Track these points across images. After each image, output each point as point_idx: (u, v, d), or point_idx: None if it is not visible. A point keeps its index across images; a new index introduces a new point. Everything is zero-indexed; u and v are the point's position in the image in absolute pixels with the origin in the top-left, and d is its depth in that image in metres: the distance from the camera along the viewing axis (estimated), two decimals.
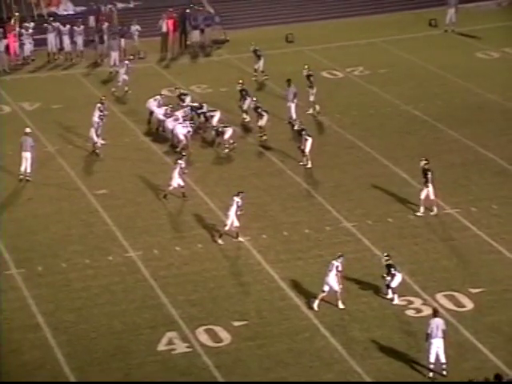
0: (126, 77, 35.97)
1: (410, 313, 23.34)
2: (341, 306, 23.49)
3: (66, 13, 43.60)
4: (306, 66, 34.33)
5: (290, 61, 39.54)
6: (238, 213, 26.20)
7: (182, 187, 28.42)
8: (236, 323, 22.98)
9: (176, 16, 41.21)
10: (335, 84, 37.48)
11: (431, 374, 20.87)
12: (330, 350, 22.08)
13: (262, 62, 37.36)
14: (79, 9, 44.03)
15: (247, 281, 24.84)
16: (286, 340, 22.44)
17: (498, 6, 44.87)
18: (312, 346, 22.22)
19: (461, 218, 27.38)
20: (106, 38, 40.61)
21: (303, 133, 30.18)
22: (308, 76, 33.97)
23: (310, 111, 33.85)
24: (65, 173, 30.58)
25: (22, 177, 29.67)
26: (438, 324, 20.92)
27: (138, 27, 40.42)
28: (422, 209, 27.36)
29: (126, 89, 35.83)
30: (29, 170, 29.65)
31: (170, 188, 28.30)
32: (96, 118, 31.30)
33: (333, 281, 23.35)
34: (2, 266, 25.50)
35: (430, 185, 27.21)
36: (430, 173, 27.22)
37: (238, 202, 26.16)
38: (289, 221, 27.58)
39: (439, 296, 23.85)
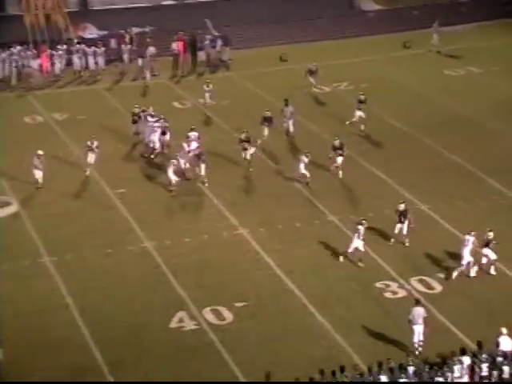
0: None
1: (388, 295, 23.27)
2: (492, 271, 23.66)
3: (91, 36, 43.48)
4: (362, 93, 33.64)
5: (284, 77, 39.45)
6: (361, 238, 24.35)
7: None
8: (237, 304, 22.90)
9: (186, 39, 41.18)
10: (323, 97, 37.35)
11: (417, 352, 20.58)
12: (318, 327, 22.01)
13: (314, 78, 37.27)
14: (102, 33, 43.90)
15: (247, 267, 24.75)
16: (281, 319, 22.38)
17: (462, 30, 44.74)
18: (303, 324, 22.16)
19: (432, 214, 27.29)
20: (125, 57, 40.64)
21: (339, 151, 29.22)
22: (360, 101, 33.20)
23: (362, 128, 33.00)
24: (89, 174, 30.47)
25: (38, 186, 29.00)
26: (419, 312, 20.68)
27: (153, 49, 40.35)
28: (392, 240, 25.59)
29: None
30: (41, 181, 29.02)
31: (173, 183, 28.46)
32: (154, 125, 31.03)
33: (467, 254, 23.32)
34: (36, 254, 25.42)
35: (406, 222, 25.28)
36: (409, 214, 25.26)
37: (359, 228, 24.27)
38: (282, 215, 27.50)
39: (413, 280, 23.78)
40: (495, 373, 18.78)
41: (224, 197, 28.57)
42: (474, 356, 19.04)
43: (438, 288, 23.43)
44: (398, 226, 25.47)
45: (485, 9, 46.24)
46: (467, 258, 23.65)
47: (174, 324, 22.13)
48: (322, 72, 39.75)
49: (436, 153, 31.48)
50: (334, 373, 18.73)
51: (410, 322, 20.69)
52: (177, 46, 40.86)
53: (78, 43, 40.68)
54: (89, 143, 29.84)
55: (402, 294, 23.21)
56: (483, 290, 23.35)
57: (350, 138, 32.40)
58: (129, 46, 40.84)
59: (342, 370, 18.85)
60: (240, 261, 25.11)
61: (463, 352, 19.23)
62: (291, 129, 32.81)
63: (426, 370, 18.78)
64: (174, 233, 26.57)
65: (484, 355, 18.89)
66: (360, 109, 33.16)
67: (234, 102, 35.71)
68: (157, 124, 31.49)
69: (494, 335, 19.76)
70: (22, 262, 24.87)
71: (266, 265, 24.78)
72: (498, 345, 19.35)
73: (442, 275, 23.94)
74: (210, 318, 22.37)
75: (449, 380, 18.63)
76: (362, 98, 33.51)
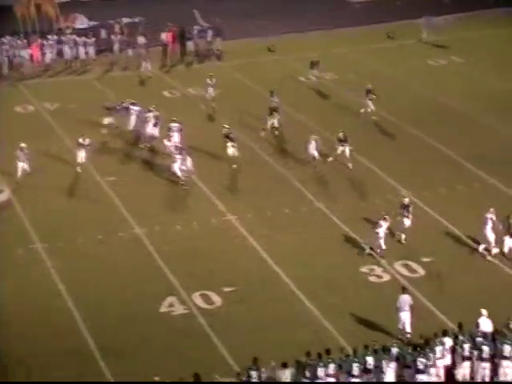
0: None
1: (373, 279, 23.45)
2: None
3: (81, 26, 43.29)
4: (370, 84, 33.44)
5: (272, 67, 39.46)
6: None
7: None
8: (226, 289, 22.99)
9: (175, 29, 41.12)
10: (310, 87, 37.41)
11: (405, 338, 20.64)
12: (306, 311, 22.15)
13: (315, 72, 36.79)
14: (92, 23, 43.72)
15: (235, 253, 24.83)
16: (269, 304, 22.47)
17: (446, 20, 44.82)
18: (291, 309, 22.27)
19: (415, 199, 27.43)
20: (115, 48, 40.52)
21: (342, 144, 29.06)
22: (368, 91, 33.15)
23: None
24: (80, 170, 30.36)
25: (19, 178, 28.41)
26: (405, 300, 20.71)
27: (142, 39, 40.25)
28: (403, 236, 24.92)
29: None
30: (27, 168, 28.55)
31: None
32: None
33: (489, 233, 23.38)
34: (29, 241, 25.42)
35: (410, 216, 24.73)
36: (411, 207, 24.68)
37: (382, 226, 23.96)
38: (271, 202, 27.60)
39: (397, 264, 23.96)
40: (476, 353, 18.99)
41: (212, 184, 28.63)
42: (455, 337, 19.25)
43: (421, 272, 23.61)
44: (403, 220, 24.67)
45: (467, 0, 46.37)
46: (490, 236, 23.73)
47: (164, 308, 22.21)
48: (309, 62, 39.83)
49: (420, 141, 31.59)
50: (320, 355, 18.88)
51: (397, 310, 20.69)
52: (166, 36, 40.82)
53: (69, 33, 40.53)
54: (80, 140, 29.26)
55: (386, 278, 23.39)
56: (465, 274, 23.54)
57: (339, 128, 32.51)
58: (119, 37, 40.72)
59: (328, 352, 19.01)
60: (229, 247, 25.20)
61: (444, 333, 19.44)
62: (276, 124, 32.20)
63: (409, 351, 18.97)
64: (165, 220, 26.62)
65: (465, 336, 19.08)
66: (370, 99, 33.07)
67: (223, 91, 35.69)
68: (149, 114, 31.39)
69: (474, 317, 19.96)
70: (15, 249, 24.87)
71: (255, 250, 24.89)
72: (477, 326, 19.57)
73: (425, 259, 24.12)
74: (200, 302, 22.47)
75: (430, 361, 18.82)
76: (370, 87, 33.35)
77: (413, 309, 20.75)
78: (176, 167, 28.45)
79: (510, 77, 36.90)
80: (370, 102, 33.26)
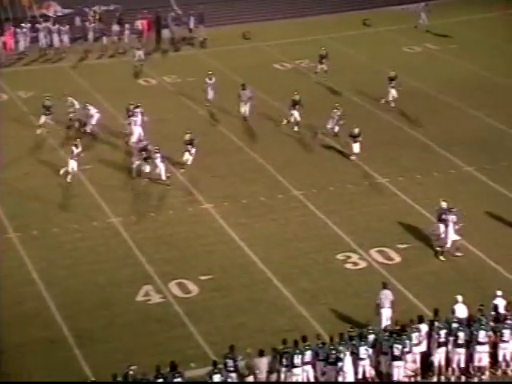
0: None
1: (349, 266, 23.35)
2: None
3: (55, 14, 42.70)
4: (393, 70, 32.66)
5: (247, 55, 39.21)
6: None
7: None
8: (203, 277, 22.81)
9: (150, 17, 40.70)
10: (285, 74, 37.21)
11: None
12: (282, 298, 22.03)
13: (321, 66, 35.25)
14: (67, 10, 43.12)
15: (212, 241, 24.64)
16: (245, 291, 22.35)
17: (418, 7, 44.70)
18: (267, 296, 22.16)
19: (390, 186, 27.41)
20: (90, 35, 40.01)
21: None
22: (391, 78, 32.48)
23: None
24: (55, 151, 30.06)
25: None
26: (386, 295, 20.24)
27: (117, 26, 39.78)
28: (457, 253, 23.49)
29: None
30: None
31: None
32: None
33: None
34: (2, 230, 25.05)
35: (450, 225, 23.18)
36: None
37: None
38: (247, 190, 27.41)
39: (373, 251, 23.89)
40: (451, 338, 18.96)
41: (189, 173, 28.35)
42: (431, 323, 19.20)
43: (397, 259, 23.56)
44: (439, 226, 23.34)
45: None
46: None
47: (140, 297, 21.98)
48: (284, 49, 39.64)
49: (395, 127, 31.53)
50: (296, 342, 18.76)
51: (378, 306, 20.26)
52: (141, 24, 40.38)
53: (43, 21, 39.95)
54: (73, 148, 27.65)
55: (362, 265, 23.31)
56: (441, 261, 23.51)
57: (313, 114, 32.38)
58: (93, 24, 40.21)
59: (305, 339, 18.89)
60: (205, 235, 24.99)
61: (421, 320, 19.39)
62: (247, 113, 31.74)
63: (386, 337, 18.90)
64: (140, 209, 26.34)
65: (441, 322, 19.04)
66: (393, 86, 32.48)
67: (199, 79, 35.33)
68: (137, 110, 30.04)
69: (449, 304, 19.92)
70: None
71: (231, 238, 24.71)
72: (453, 312, 19.54)
73: (400, 246, 24.06)
74: (176, 291, 22.26)
75: (407, 347, 18.76)
76: (393, 74, 32.75)
77: (394, 304, 20.29)
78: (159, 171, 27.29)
79: (484, 62, 36.91)
80: (392, 90, 32.51)
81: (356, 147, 28.74)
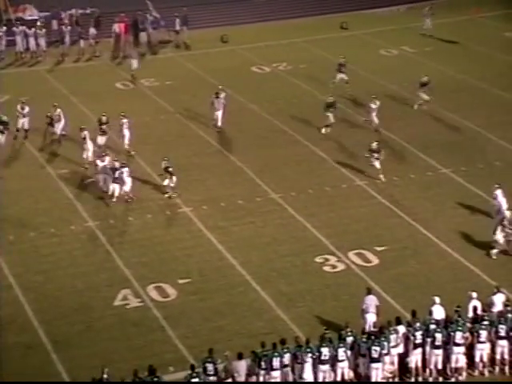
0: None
1: (327, 268, 23.36)
2: None
3: (31, 18, 42.39)
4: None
5: (225, 58, 39.16)
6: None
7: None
8: (181, 281, 22.73)
9: (127, 20, 40.57)
10: (263, 77, 37.23)
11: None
12: (260, 301, 21.99)
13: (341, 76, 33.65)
14: (43, 14, 42.82)
15: (190, 245, 24.56)
16: (224, 294, 22.29)
17: (398, 10, 45.03)
18: (245, 299, 22.11)
19: (368, 189, 27.48)
20: (67, 39, 39.78)
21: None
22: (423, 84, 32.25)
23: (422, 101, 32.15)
24: (32, 155, 29.83)
25: None
26: (371, 301, 20.10)
27: (94, 30, 39.61)
28: None
29: None
30: None
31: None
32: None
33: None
34: None
35: None
36: None
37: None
38: (225, 193, 27.36)
39: (351, 254, 23.92)
40: (429, 340, 19.01)
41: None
42: (408, 325, 19.25)
43: (375, 261, 23.61)
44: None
45: None
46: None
47: (118, 302, 21.85)
48: (262, 53, 39.64)
49: (372, 130, 31.58)
50: (274, 345, 18.72)
51: (363, 312, 20.11)
52: (118, 27, 40.22)
53: (19, 25, 39.66)
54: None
55: (340, 267, 23.33)
56: (419, 263, 23.60)
57: (291, 118, 32.44)
58: (69, 28, 39.97)
59: (283, 342, 18.86)
60: (183, 238, 24.90)
61: (398, 321, 19.43)
62: (219, 123, 31.00)
63: (364, 340, 18.92)
64: (118, 212, 26.19)
65: (418, 324, 19.10)
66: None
67: (178, 82, 35.26)
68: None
69: (427, 305, 19.98)
70: None
71: (209, 242, 24.63)
72: (430, 313, 19.59)
73: (378, 248, 24.11)
74: (154, 295, 22.15)
75: (385, 349, 18.80)
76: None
77: (379, 309, 20.12)
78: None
79: (459, 65, 37.12)
80: (423, 94, 32.16)
81: (377, 164, 27.47)
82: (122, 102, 32.56)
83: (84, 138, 28.58)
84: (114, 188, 26.43)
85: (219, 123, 31.20)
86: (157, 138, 30.97)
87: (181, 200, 26.82)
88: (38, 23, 39.79)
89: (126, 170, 26.61)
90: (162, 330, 20.90)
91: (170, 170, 26.72)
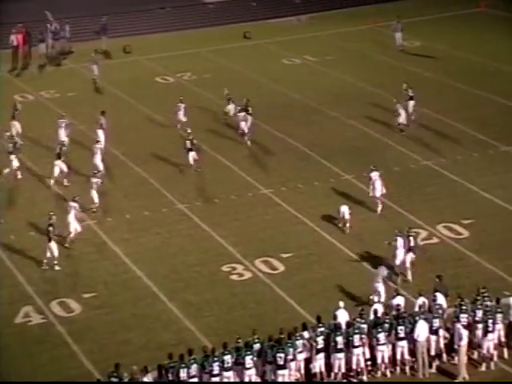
0: None
1: (234, 277, 23.46)
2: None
3: None
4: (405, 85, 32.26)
5: (128, 69, 38.91)
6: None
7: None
8: (85, 295, 22.41)
9: (25, 31, 39.79)
10: (167, 87, 37.14)
11: None
12: (167, 312, 21.91)
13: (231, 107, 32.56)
14: None
15: (95, 258, 24.26)
16: (130, 307, 22.10)
17: (298, 21, 45.76)
18: (153, 311, 21.98)
19: (273, 197, 27.76)
20: None
21: None
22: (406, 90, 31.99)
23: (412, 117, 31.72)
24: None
25: None
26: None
27: None
28: None
29: None
30: None
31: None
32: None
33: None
34: None
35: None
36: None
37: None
38: (130, 205, 27.12)
39: (257, 262, 24.09)
40: (332, 344, 19.30)
41: (69, 188, 27.79)
42: (313, 330, 19.51)
43: (281, 268, 23.86)
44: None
45: (317, 0, 47.56)
46: None
47: (19, 319, 21.39)
48: (166, 63, 39.55)
49: (276, 138, 31.95)
50: (181, 356, 18.66)
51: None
52: (16, 38, 39.42)
53: None
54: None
55: (247, 275, 23.47)
56: (323, 268, 23.98)
57: (197, 126, 32.46)
58: None
59: (191, 352, 18.82)
60: (88, 252, 24.58)
61: (304, 327, 19.67)
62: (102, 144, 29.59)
63: (269, 346, 19.04)
64: (18, 228, 25.58)
65: (319, 329, 19.35)
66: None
67: (78, 94, 34.73)
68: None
69: (332, 309, 20.32)
70: None
71: (115, 254, 24.40)
72: (335, 317, 19.91)
73: (284, 255, 24.38)
74: (57, 310, 21.78)
75: (290, 355, 18.97)
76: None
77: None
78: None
79: (358, 73, 38.00)
80: (410, 104, 31.73)
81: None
82: (22, 115, 31.77)
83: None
84: None
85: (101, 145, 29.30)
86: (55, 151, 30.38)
87: (84, 213, 26.40)
88: None
89: None
90: (66, 345, 20.54)
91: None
